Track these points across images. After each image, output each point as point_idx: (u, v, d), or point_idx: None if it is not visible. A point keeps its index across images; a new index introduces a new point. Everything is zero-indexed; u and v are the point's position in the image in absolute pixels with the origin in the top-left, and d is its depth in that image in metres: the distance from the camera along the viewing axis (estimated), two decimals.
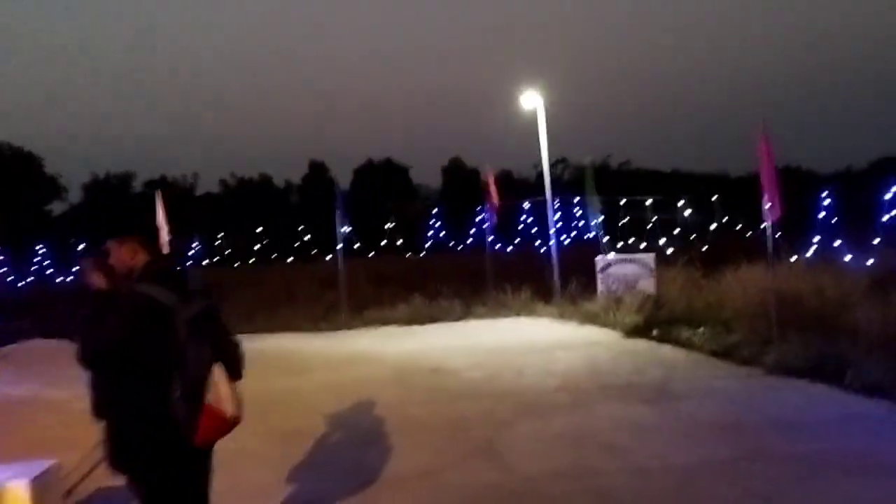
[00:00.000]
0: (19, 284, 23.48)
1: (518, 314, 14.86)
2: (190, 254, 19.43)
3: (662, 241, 13.94)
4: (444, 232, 17.49)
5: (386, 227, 15.93)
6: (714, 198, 19.04)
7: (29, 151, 59.54)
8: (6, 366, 12.48)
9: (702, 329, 11.26)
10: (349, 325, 14.82)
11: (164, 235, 15.19)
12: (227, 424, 3.52)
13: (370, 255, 20.32)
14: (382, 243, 16.29)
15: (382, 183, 59.49)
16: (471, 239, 16.55)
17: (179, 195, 56.52)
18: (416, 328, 14.27)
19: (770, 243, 9.81)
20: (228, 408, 3.53)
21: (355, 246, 18.01)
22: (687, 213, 16.55)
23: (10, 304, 18.19)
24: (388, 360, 11.24)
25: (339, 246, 15.50)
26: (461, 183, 51.79)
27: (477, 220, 16.27)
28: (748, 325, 10.55)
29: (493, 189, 15.15)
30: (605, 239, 14.76)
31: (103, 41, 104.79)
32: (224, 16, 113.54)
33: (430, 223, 17.93)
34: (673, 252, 14.48)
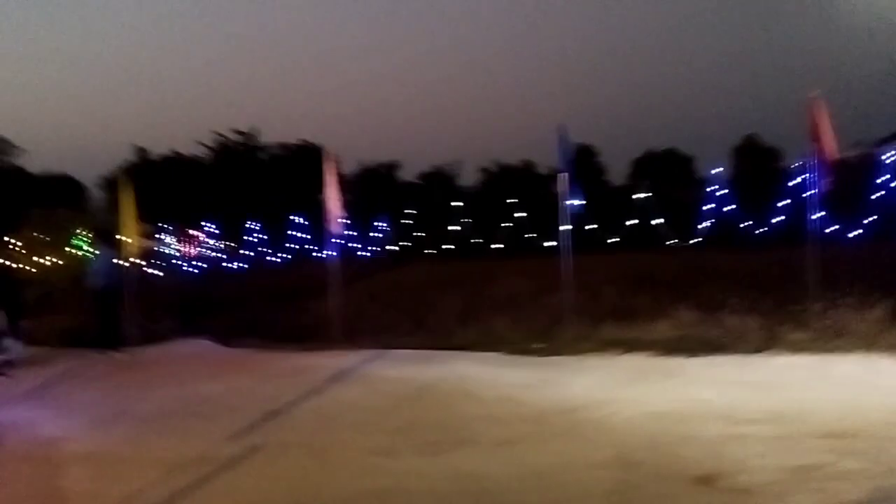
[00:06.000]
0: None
1: (868, 349, 8.48)
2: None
3: None
4: (731, 215, 11.25)
5: (635, 197, 10.31)
6: None
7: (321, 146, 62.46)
8: (109, 379, 9.49)
9: None
10: (573, 349, 9.67)
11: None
12: None
13: (632, 250, 15.02)
14: (631, 223, 10.65)
15: (662, 175, 52.64)
16: (779, 221, 10.20)
17: (444, 184, 55.17)
18: (679, 362, 8.65)
19: None
20: None
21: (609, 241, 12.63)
22: None
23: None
24: (615, 430, 5.98)
25: (565, 228, 10.36)
26: (757, 167, 43.18)
27: (792, 185, 9.93)
28: None
29: (825, 131, 8.74)
30: None
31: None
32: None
33: (710, 208, 11.80)
34: None
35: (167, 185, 48.42)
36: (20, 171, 46.73)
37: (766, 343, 9.01)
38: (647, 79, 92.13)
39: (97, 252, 11.52)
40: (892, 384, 7.04)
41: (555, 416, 6.53)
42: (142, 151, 54.52)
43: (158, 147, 54.86)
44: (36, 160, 64.84)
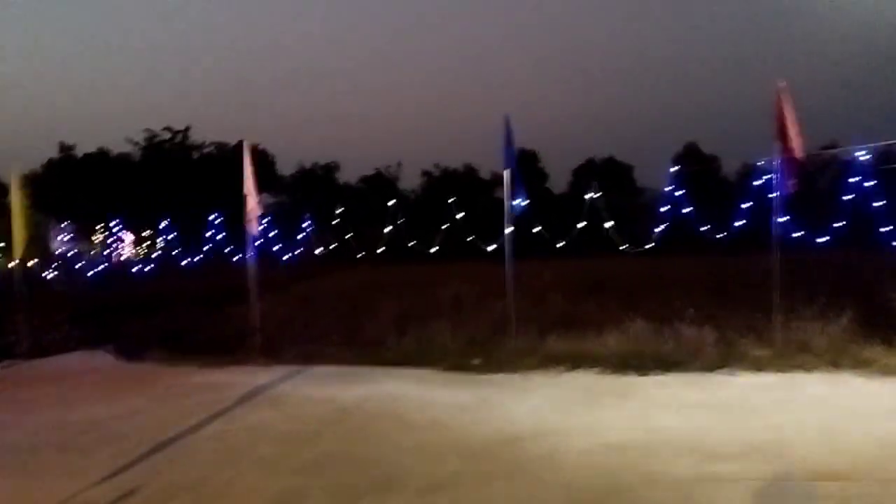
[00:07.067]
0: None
1: (834, 366, 7.82)
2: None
3: None
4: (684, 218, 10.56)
5: (585, 197, 9.49)
6: None
7: (264, 149, 59.83)
8: None
9: None
10: (517, 364, 8.75)
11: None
12: None
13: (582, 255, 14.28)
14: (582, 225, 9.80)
15: (603, 184, 52.51)
16: (740, 225, 9.51)
17: (385, 186, 53.88)
18: (633, 381, 7.82)
19: None
20: None
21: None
22: None
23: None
24: (567, 467, 5.06)
25: (509, 230, 9.47)
26: (697, 174, 43.45)
27: (758, 184, 9.25)
28: None
29: (790, 127, 8.06)
30: None
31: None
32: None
33: (664, 211, 11.12)
34: None
35: (90, 183, 45.85)
36: None
37: (724, 359, 8.27)
38: (588, 87, 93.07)
39: None
40: (869, 408, 6.34)
41: (497, 449, 5.58)
42: (66, 148, 51.62)
43: (90, 145, 52.10)
44: None
